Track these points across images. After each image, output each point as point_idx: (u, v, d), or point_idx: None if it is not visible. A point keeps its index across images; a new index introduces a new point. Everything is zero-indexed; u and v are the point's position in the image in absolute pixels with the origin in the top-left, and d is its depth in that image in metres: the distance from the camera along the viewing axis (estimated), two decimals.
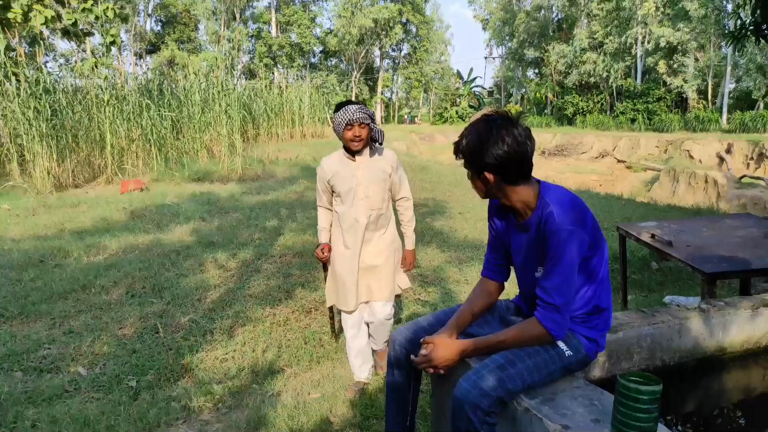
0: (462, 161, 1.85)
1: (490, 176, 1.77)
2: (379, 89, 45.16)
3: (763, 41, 5.73)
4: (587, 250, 1.74)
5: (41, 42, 11.69)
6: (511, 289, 2.13)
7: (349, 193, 2.93)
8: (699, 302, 2.52)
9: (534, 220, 1.80)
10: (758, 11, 5.51)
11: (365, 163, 2.95)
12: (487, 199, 1.96)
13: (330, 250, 3.05)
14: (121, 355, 3.50)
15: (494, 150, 1.72)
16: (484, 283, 2.08)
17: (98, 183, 10.39)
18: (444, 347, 1.82)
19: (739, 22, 5.90)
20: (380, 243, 3.04)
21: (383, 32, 40.10)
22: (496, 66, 49.99)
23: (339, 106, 2.85)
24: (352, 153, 2.91)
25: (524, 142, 1.74)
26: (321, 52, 46.36)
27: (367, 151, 2.94)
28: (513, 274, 2.08)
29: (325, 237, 3.11)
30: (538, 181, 1.84)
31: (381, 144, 2.95)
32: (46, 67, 11.11)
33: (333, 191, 2.99)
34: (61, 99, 10.34)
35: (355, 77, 42.58)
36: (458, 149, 1.84)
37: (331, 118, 3.23)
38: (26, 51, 11.95)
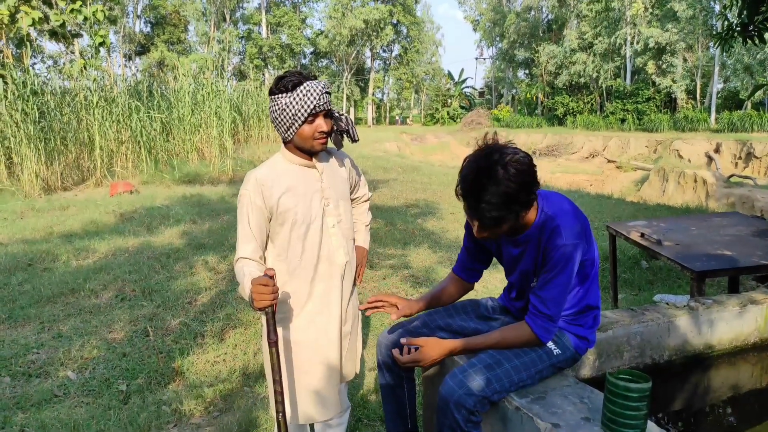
0: (494, 228, 1.66)
1: (523, 209, 1.64)
2: (371, 90, 45.18)
3: (749, 42, 5.78)
4: (583, 257, 1.75)
5: (29, 43, 11.59)
6: (500, 288, 2.13)
7: (313, 221, 1.86)
8: (688, 300, 2.54)
9: (534, 233, 1.74)
10: (745, 12, 5.56)
11: (328, 170, 1.94)
12: None
13: (274, 275, 1.66)
14: (111, 359, 3.47)
15: (519, 184, 1.57)
16: (453, 278, 2.12)
17: (87, 186, 10.31)
18: (431, 348, 1.80)
19: (726, 22, 5.94)
20: (354, 294, 2.07)
21: (374, 33, 40.12)
22: (487, 67, 50.24)
23: (287, 81, 1.77)
24: (308, 155, 1.89)
25: (532, 165, 1.62)
26: (312, 53, 46.36)
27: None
28: (490, 276, 2.09)
29: (255, 269, 1.79)
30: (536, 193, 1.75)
31: (357, 141, 1.98)
32: (33, 68, 11.04)
33: (277, 223, 1.85)
34: (49, 101, 10.27)
35: (346, 78, 42.56)
36: (491, 217, 1.60)
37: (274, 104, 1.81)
38: (13, 53, 11.86)
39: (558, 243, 1.66)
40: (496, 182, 1.55)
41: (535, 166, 1.63)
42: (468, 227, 1.99)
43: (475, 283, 2.14)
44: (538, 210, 1.74)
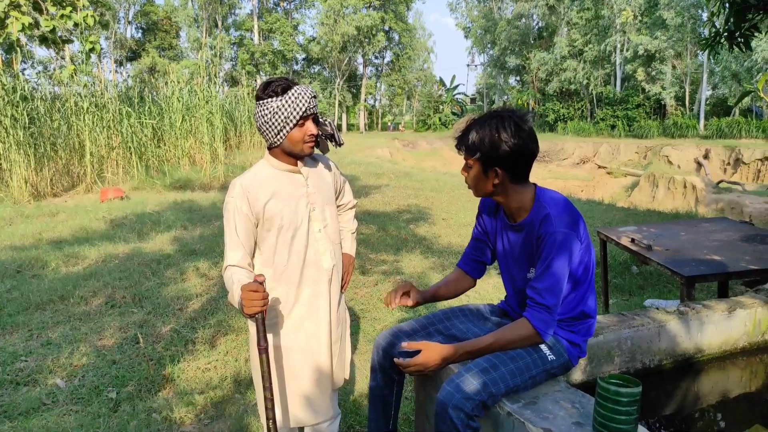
0: (466, 155, 1.79)
1: (500, 172, 1.75)
2: (363, 96, 45.27)
3: (736, 48, 5.86)
4: (578, 255, 1.76)
5: (18, 49, 11.51)
6: (495, 294, 2.14)
7: (300, 226, 1.86)
8: (678, 305, 2.56)
9: (528, 222, 1.80)
10: (731, 19, 5.64)
11: (313, 175, 1.95)
12: (478, 198, 1.96)
13: (264, 281, 1.63)
14: (101, 367, 3.44)
15: (510, 144, 1.70)
16: (458, 273, 2.14)
17: (77, 192, 10.24)
18: (430, 351, 1.81)
19: (713, 29, 6.02)
20: (341, 300, 2.06)
21: (366, 40, 40.25)
22: (479, 73, 50.54)
23: (275, 86, 1.79)
24: (295, 158, 1.88)
25: (535, 140, 1.76)
26: (304, 59, 46.39)
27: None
28: (498, 280, 2.09)
29: (244, 277, 1.77)
30: (534, 184, 1.86)
31: (342, 145, 1.97)
32: (23, 74, 10.96)
33: (264, 230, 1.84)
34: (39, 107, 10.20)
35: (338, 84, 42.63)
36: (466, 142, 1.77)
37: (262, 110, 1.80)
38: (3, 58, 11.77)
39: (549, 230, 1.71)
40: (500, 124, 1.71)
41: (535, 151, 1.77)
42: (480, 211, 2.04)
43: (469, 291, 2.15)
44: (535, 200, 1.81)
